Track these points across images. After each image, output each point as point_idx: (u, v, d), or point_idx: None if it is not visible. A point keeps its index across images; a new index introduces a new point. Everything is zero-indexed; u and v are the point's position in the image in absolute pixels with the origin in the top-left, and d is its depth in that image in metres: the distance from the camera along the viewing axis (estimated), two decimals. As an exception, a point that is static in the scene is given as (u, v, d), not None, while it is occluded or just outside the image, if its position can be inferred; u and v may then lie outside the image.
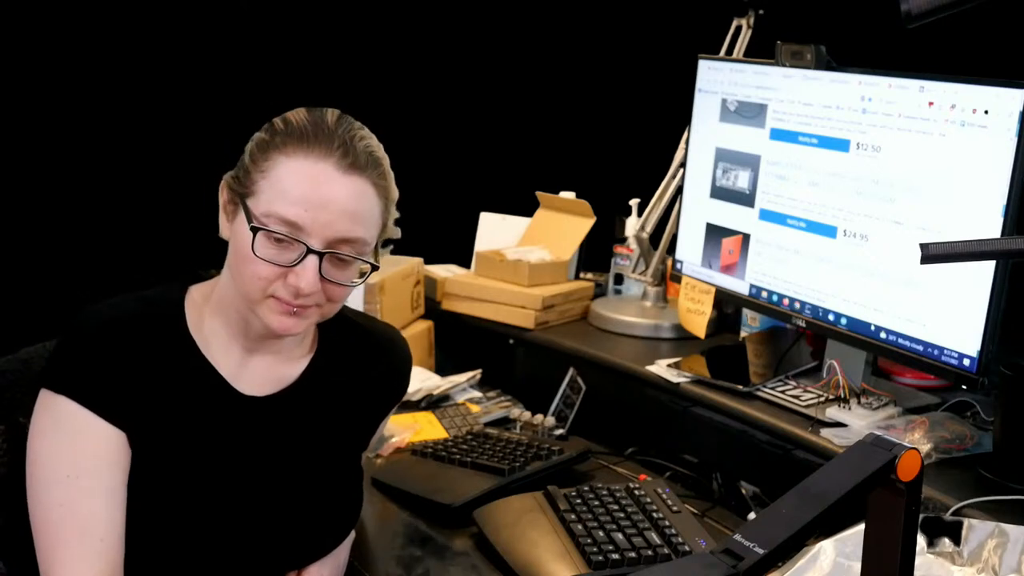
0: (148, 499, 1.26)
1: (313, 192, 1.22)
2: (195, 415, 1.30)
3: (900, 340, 1.65)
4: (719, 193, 2.00)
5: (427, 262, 2.36)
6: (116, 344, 1.25)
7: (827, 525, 1.00)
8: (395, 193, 1.34)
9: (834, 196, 1.75)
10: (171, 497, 1.27)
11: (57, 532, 1.21)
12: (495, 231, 2.47)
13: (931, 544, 1.31)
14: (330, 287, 1.26)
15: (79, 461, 1.22)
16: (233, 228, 1.27)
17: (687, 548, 1.44)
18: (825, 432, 1.61)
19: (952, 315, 1.56)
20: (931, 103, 1.58)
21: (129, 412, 1.25)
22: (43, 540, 1.22)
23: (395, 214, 1.36)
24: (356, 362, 1.44)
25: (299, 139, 1.24)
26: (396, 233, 1.38)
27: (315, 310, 1.27)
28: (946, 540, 1.31)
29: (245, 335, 1.32)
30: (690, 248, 2.07)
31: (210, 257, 1.35)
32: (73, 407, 1.23)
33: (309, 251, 1.22)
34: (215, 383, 1.31)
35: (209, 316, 1.33)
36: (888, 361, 1.81)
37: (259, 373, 1.35)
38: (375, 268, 1.31)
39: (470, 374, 2.14)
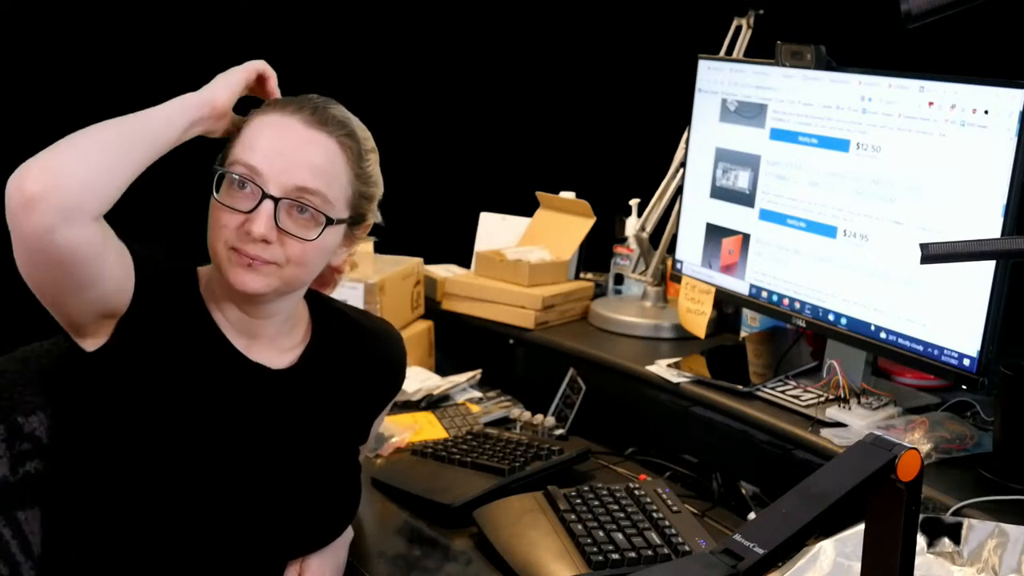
0: (144, 479, 1.26)
1: (274, 140, 1.28)
2: (204, 381, 1.31)
3: (900, 340, 1.65)
4: (719, 193, 2.00)
5: (427, 262, 2.36)
6: (154, 279, 1.29)
7: (827, 525, 1.00)
8: (370, 166, 1.36)
9: (834, 196, 1.75)
10: (167, 477, 1.27)
11: None
12: (495, 231, 2.47)
13: (931, 544, 1.31)
14: (289, 244, 1.27)
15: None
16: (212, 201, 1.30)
17: (687, 548, 1.44)
18: (825, 432, 1.61)
19: (952, 315, 1.56)
20: (931, 103, 1.58)
21: (136, 344, 1.26)
22: None
23: (374, 192, 1.37)
24: (349, 354, 1.45)
25: (274, 103, 1.32)
26: (376, 215, 1.39)
27: (274, 269, 1.27)
28: (946, 540, 1.31)
29: (232, 318, 1.34)
30: (690, 248, 2.07)
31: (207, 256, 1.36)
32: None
33: (265, 196, 1.25)
34: (226, 350, 1.33)
35: (207, 300, 1.35)
36: (888, 361, 1.81)
37: (252, 357, 1.36)
38: (342, 222, 1.32)
39: (470, 374, 2.14)
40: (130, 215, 1.24)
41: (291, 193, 1.26)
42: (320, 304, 1.45)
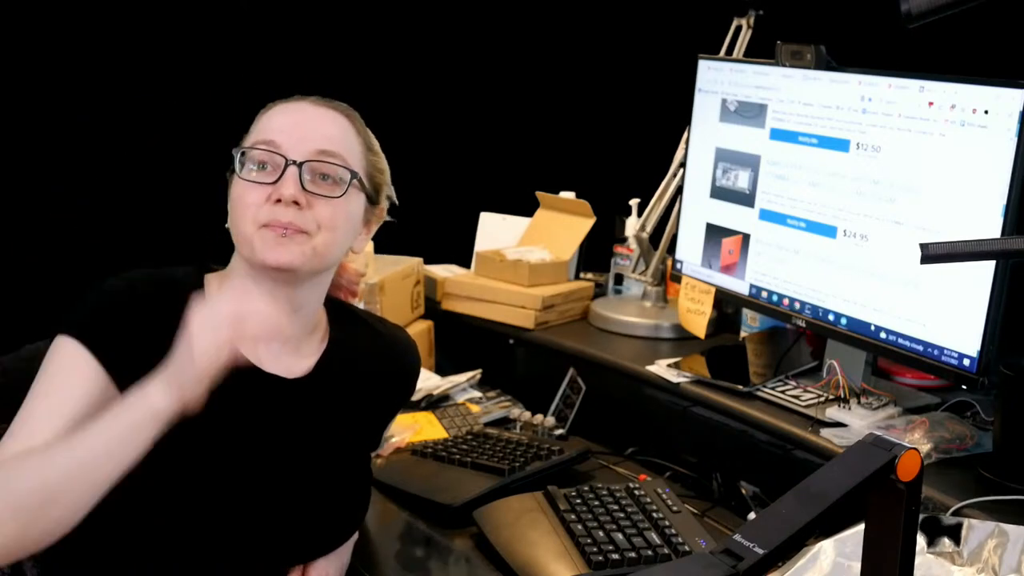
0: (152, 481, 1.24)
1: (288, 117, 1.33)
2: (215, 386, 1.28)
3: (900, 340, 1.65)
4: (719, 193, 2.00)
5: (427, 262, 2.36)
6: (134, 302, 1.28)
7: (827, 525, 1.00)
8: (374, 145, 1.40)
9: (834, 196, 1.75)
10: (175, 480, 1.26)
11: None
12: (495, 231, 2.47)
13: (931, 544, 1.31)
14: (318, 207, 1.29)
15: (62, 388, 1.23)
16: (231, 188, 1.32)
17: (687, 548, 1.44)
18: (825, 432, 1.61)
19: (952, 315, 1.56)
20: (931, 103, 1.58)
21: (133, 369, 1.24)
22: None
23: (385, 167, 1.41)
24: (365, 362, 1.45)
25: (278, 100, 1.37)
26: (390, 190, 1.43)
27: (305, 238, 1.29)
28: (946, 540, 1.31)
29: None
30: (690, 248, 2.07)
31: (218, 254, 1.36)
32: (79, 348, 1.24)
33: (288, 163, 1.28)
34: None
35: None
36: (888, 361, 1.81)
37: (270, 363, 1.35)
38: (363, 186, 1.35)
39: (470, 374, 2.14)
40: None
41: (313, 156, 1.30)
42: (338, 309, 1.46)
